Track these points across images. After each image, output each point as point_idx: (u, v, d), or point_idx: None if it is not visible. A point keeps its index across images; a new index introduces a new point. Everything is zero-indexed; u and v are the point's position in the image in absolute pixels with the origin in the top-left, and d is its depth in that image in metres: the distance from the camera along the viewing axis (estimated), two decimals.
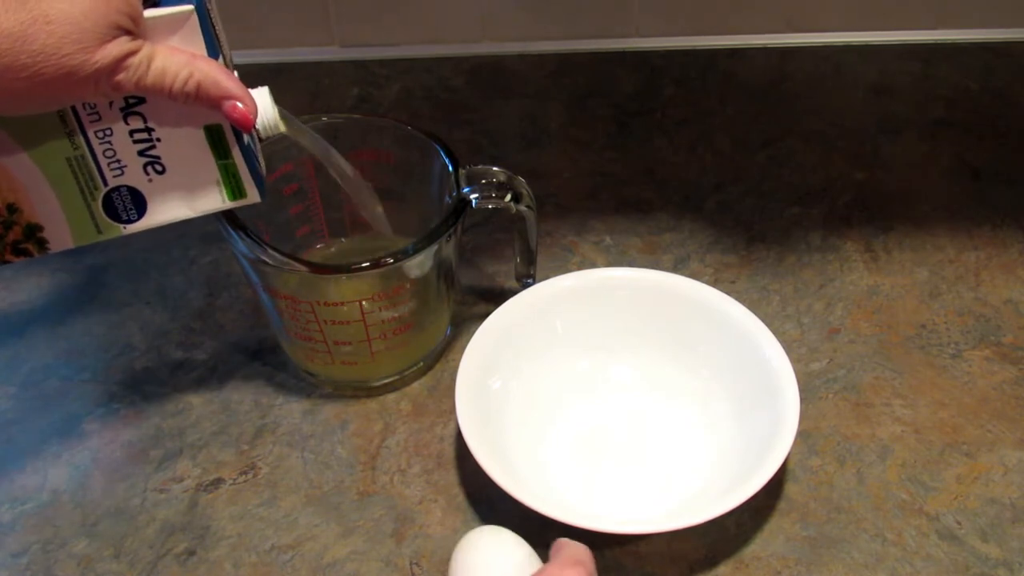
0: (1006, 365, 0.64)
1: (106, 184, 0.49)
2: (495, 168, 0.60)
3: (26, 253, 0.50)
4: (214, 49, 0.47)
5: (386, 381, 0.63)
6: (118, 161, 0.48)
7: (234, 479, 0.59)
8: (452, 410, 0.62)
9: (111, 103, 0.47)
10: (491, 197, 0.59)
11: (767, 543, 0.55)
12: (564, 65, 0.89)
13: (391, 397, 0.63)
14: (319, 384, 0.64)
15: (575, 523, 0.51)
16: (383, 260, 0.55)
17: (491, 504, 0.57)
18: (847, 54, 0.90)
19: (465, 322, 0.67)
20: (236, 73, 0.48)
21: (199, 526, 0.57)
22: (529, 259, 0.65)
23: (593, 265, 0.70)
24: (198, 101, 0.46)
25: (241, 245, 0.55)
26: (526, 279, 0.66)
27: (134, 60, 0.43)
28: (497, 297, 0.68)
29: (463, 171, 0.59)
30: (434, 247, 0.56)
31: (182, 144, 0.49)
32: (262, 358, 0.65)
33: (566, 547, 0.45)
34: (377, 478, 0.59)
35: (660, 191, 0.77)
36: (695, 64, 0.89)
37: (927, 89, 0.86)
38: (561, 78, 0.88)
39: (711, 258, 0.71)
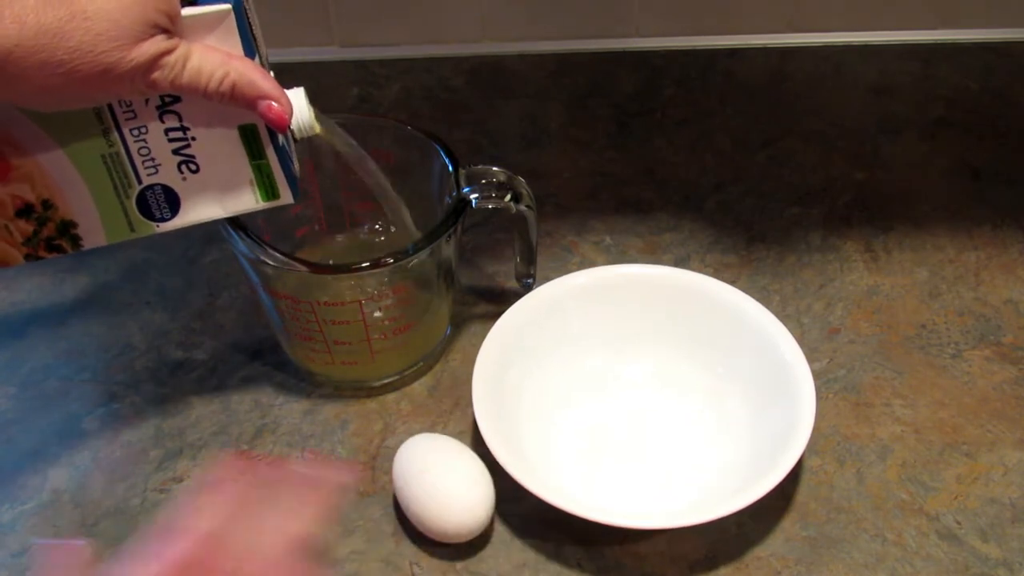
0: (1006, 365, 0.64)
1: (140, 182, 0.49)
2: (495, 168, 0.60)
3: (60, 249, 0.50)
4: (251, 49, 0.47)
5: (386, 381, 0.63)
6: (152, 159, 0.48)
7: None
8: (452, 410, 0.62)
9: (147, 101, 0.47)
10: (491, 197, 0.59)
11: (767, 543, 0.55)
12: (564, 65, 0.89)
13: (391, 397, 0.63)
14: (319, 384, 0.64)
15: (587, 516, 0.51)
16: (383, 260, 0.55)
17: None
18: (847, 54, 0.90)
19: (465, 322, 0.67)
20: (272, 73, 0.48)
21: None
22: (529, 259, 0.65)
23: (593, 265, 0.70)
24: (233, 101, 0.46)
25: (241, 245, 0.55)
26: (526, 279, 0.66)
27: (170, 59, 0.43)
28: (497, 297, 0.68)
29: (463, 171, 0.59)
30: (434, 247, 0.56)
31: (217, 143, 0.49)
32: (262, 358, 0.65)
33: None
34: (377, 478, 0.59)
35: (660, 191, 0.77)
36: (695, 64, 0.89)
37: (927, 89, 0.86)
38: (561, 78, 0.88)
39: (711, 258, 0.71)
